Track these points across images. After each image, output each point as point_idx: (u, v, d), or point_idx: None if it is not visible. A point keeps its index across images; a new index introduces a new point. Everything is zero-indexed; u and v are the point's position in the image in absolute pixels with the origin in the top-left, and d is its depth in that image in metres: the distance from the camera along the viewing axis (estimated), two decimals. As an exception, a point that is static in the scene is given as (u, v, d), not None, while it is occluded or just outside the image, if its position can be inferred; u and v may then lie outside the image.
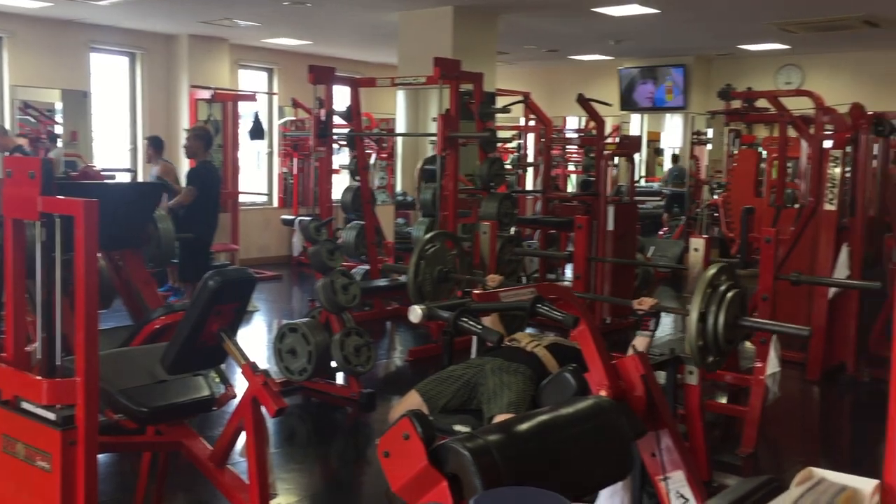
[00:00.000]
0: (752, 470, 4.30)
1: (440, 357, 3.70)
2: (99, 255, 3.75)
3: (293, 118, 11.42)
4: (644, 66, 12.20)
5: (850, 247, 5.81)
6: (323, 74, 7.05)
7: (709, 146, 12.34)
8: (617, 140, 9.65)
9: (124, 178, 8.85)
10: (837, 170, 5.84)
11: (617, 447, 1.94)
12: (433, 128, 6.82)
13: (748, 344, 5.62)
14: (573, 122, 13.56)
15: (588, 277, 6.55)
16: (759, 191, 9.68)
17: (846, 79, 10.93)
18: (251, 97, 10.36)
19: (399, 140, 9.66)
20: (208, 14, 8.87)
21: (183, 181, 7.62)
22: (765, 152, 10.34)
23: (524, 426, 1.80)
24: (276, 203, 11.53)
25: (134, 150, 10.33)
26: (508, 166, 10.26)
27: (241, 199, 10.19)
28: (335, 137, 7.65)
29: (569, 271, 8.53)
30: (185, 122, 9.96)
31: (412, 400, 3.18)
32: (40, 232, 2.23)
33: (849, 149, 5.94)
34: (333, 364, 5.19)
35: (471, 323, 2.24)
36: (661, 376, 3.22)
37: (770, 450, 4.70)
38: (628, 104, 12.45)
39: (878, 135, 6.09)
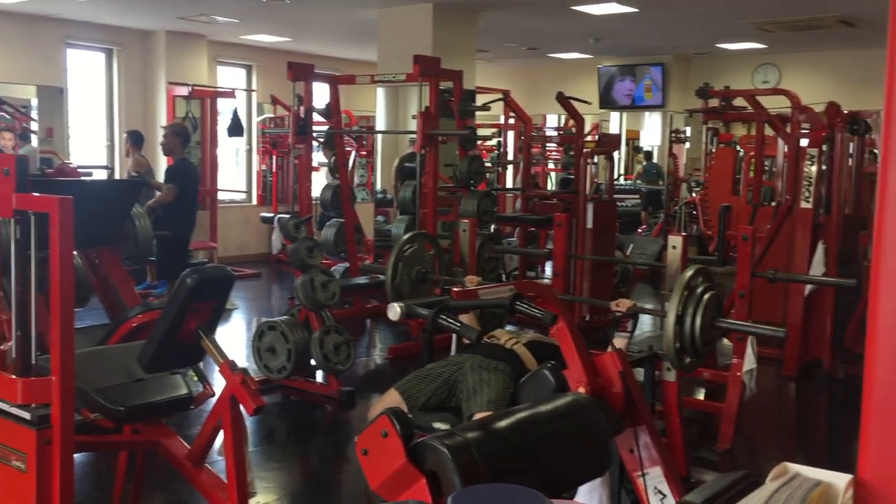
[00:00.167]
0: (730, 465, 4.34)
1: (420, 355, 3.70)
2: (75, 252, 3.72)
3: (272, 115, 11.37)
4: (623, 65, 12.26)
5: (825, 244, 5.87)
6: (302, 71, 7.03)
7: (687, 144, 12.43)
8: (596, 138, 9.71)
9: (101, 175, 8.76)
10: (813, 168, 5.90)
11: (595, 444, 1.95)
12: (413, 125, 6.82)
13: (726, 341, 5.67)
14: (553, 120, 13.61)
15: (567, 275, 6.57)
16: (737, 189, 9.76)
17: (822, 78, 11.04)
18: (230, 94, 10.29)
19: (379, 138, 9.64)
20: (186, 10, 8.81)
21: (159, 177, 7.57)
22: (742, 151, 10.42)
23: (503, 423, 1.81)
24: (255, 201, 11.48)
25: (111, 147, 10.24)
26: (488, 164, 10.27)
27: (220, 196, 10.12)
28: (314, 135, 7.62)
29: (548, 269, 8.56)
30: (162, 118, 9.89)
31: (392, 398, 3.17)
32: (15, 229, 2.20)
33: (825, 147, 6.00)
34: (313, 362, 5.18)
35: (449, 320, 2.24)
36: (640, 373, 3.23)
37: (747, 445, 4.74)
38: (607, 102, 12.50)
39: (853, 133, 6.15)
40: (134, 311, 3.56)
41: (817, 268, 5.78)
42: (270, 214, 10.01)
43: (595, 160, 7.70)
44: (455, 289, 2.58)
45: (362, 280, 7.22)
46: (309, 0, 8.08)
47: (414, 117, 6.77)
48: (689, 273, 2.94)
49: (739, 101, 8.26)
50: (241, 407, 2.75)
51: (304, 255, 5.20)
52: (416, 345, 6.19)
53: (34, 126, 9.35)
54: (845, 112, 6.15)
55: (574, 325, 2.54)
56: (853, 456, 1.07)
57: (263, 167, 11.43)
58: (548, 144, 12.56)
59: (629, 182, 13.08)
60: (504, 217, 8.98)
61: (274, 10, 8.54)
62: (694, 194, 11.30)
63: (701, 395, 5.44)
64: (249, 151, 11.56)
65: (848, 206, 6.28)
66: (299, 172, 7.52)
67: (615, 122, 13.05)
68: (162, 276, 7.24)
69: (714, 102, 8.40)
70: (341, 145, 7.67)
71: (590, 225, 7.05)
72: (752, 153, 9.19)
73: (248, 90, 11.52)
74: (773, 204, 7.67)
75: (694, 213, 10.90)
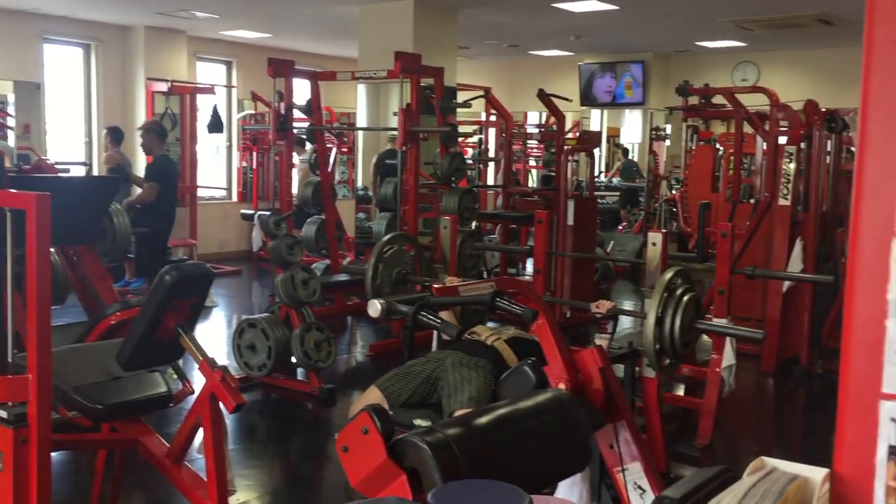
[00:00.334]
0: (709, 461, 4.36)
1: (401, 352, 3.69)
2: (52, 249, 3.68)
3: (252, 112, 11.31)
4: (604, 62, 12.30)
5: (803, 241, 5.93)
6: (282, 67, 6.99)
7: (667, 142, 12.49)
8: (577, 135, 9.73)
9: (79, 171, 8.68)
10: (792, 165, 5.94)
11: (575, 439, 1.96)
12: (394, 122, 6.80)
13: (705, 337, 5.71)
14: (534, 118, 13.62)
15: (548, 272, 6.59)
16: (716, 186, 9.83)
17: (801, 76, 11.14)
18: (209, 90, 10.22)
19: (360, 134, 9.61)
20: (165, 5, 8.74)
21: (138, 172, 7.50)
22: (721, 148, 10.49)
23: (483, 420, 1.81)
24: (235, 197, 11.41)
25: (89, 144, 10.15)
26: (469, 161, 10.28)
27: (200, 193, 10.06)
28: (295, 131, 7.58)
29: (529, 266, 8.58)
30: (141, 114, 9.80)
31: (373, 395, 3.17)
32: (-9, 226, 2.18)
33: (803, 145, 6.05)
34: (293, 359, 5.16)
35: (430, 317, 2.24)
36: (620, 369, 3.25)
37: (726, 441, 4.78)
38: (588, 99, 12.55)
39: (830, 131, 6.21)
40: (112, 309, 3.53)
41: (795, 264, 5.83)
42: (251, 211, 9.96)
43: (576, 157, 7.71)
44: (436, 285, 2.58)
45: (343, 277, 7.19)
46: (289, -4, 8.06)
47: (395, 114, 6.75)
48: (668, 275, 2.97)
49: (719, 99, 8.32)
50: (221, 405, 2.73)
51: (284, 252, 5.18)
52: (397, 342, 6.18)
53: (11, 122, 9.24)
54: (823, 110, 6.20)
55: (554, 321, 2.55)
56: (830, 450, 1.08)
57: (244, 164, 11.37)
58: (529, 141, 12.59)
59: (605, 179, 13.12)
60: (485, 214, 8.99)
61: (254, 5, 8.49)
62: (674, 191, 11.36)
63: (680, 391, 5.48)
64: (230, 148, 11.49)
65: (825, 204, 6.34)
66: (280, 169, 7.49)
67: (596, 120, 13.10)
68: (140, 273, 7.19)
69: (694, 100, 8.45)
70: (322, 142, 7.65)
71: (571, 222, 7.06)
72: (732, 151, 9.26)
73: (229, 86, 11.45)
74: (752, 201, 7.73)
75: (674, 210, 10.96)
